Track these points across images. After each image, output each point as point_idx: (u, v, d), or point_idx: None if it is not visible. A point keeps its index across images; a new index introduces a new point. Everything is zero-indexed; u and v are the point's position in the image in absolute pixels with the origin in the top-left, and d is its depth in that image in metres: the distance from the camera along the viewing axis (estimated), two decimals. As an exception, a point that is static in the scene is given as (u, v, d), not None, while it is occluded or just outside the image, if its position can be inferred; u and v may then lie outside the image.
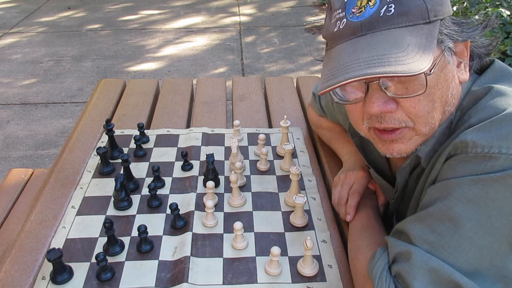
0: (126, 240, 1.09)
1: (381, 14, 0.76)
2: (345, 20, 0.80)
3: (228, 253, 1.05)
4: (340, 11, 0.82)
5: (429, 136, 0.86)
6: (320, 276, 0.99)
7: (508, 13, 3.96)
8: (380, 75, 0.73)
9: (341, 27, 0.81)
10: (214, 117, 1.64)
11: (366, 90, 0.80)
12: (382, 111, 0.81)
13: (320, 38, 4.89)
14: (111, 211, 1.19)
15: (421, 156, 0.87)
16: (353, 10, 0.79)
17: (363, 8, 0.78)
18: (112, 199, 1.21)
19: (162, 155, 1.42)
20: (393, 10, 0.76)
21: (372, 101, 0.80)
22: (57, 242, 1.08)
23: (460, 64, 0.85)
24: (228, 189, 1.26)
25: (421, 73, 0.72)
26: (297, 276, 0.99)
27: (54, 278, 0.97)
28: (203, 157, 1.39)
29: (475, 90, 0.85)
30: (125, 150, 1.44)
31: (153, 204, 1.20)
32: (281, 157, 1.39)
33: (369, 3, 0.78)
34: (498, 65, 0.90)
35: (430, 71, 0.76)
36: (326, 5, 0.88)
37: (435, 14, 0.78)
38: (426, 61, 0.74)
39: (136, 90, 1.83)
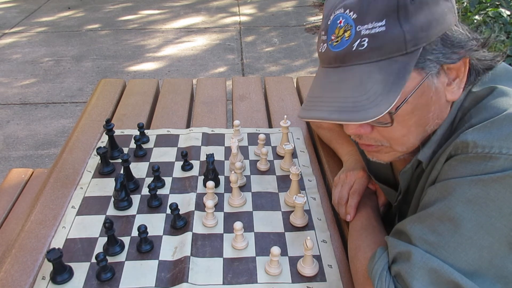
0: (126, 240, 1.09)
1: (354, 49, 0.76)
2: (325, 45, 0.81)
3: (228, 253, 1.05)
4: (323, 33, 0.82)
5: (408, 151, 0.89)
6: (320, 276, 0.99)
7: (508, 13, 3.96)
8: (336, 122, 0.77)
9: (322, 50, 0.82)
10: (214, 117, 1.64)
11: None
12: (357, 134, 0.85)
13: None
14: (111, 211, 1.19)
15: (422, 160, 0.88)
16: (332, 37, 0.79)
17: (339, 38, 0.78)
18: (112, 199, 1.21)
19: (162, 155, 1.42)
20: (366, 45, 0.75)
21: (348, 125, 0.84)
22: (57, 242, 1.08)
23: (452, 82, 0.82)
24: (228, 189, 1.26)
25: (376, 119, 0.73)
26: (297, 276, 0.99)
27: (54, 278, 0.97)
28: (203, 157, 1.39)
29: (477, 91, 0.84)
30: (125, 150, 1.44)
31: (153, 204, 1.20)
32: (281, 157, 1.39)
33: (345, 34, 0.77)
34: (500, 65, 0.89)
35: (396, 109, 0.77)
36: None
37: (415, 43, 0.74)
38: (387, 104, 0.73)
39: (136, 90, 1.83)
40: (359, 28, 0.75)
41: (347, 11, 0.77)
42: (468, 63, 0.81)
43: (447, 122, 0.85)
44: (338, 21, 0.78)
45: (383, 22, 0.73)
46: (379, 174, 1.12)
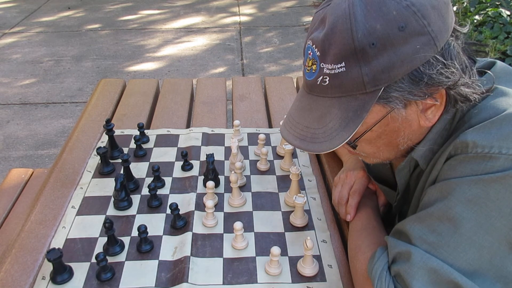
0: (126, 240, 1.09)
1: (318, 83, 0.79)
2: (304, 69, 0.85)
3: (228, 253, 1.05)
4: (305, 58, 0.84)
5: (390, 159, 0.93)
6: (320, 276, 0.99)
7: (508, 13, 3.96)
8: (298, 148, 0.83)
9: (303, 73, 0.86)
10: (214, 117, 1.64)
11: None
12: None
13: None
14: (111, 211, 1.19)
15: (416, 158, 0.88)
16: (305, 64, 0.83)
17: (309, 68, 0.81)
18: (112, 199, 1.21)
19: (162, 155, 1.42)
20: (327, 82, 0.78)
21: None
22: (57, 242, 1.08)
23: (428, 109, 0.80)
24: (228, 189, 1.26)
25: (328, 152, 0.79)
26: (297, 276, 0.99)
27: (54, 278, 0.98)
28: (203, 157, 1.39)
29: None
30: (125, 150, 1.44)
31: (153, 204, 1.20)
32: (281, 157, 1.39)
33: (312, 67, 0.80)
34: (500, 66, 0.89)
35: (354, 140, 0.83)
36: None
37: (376, 84, 0.74)
38: (341, 140, 0.77)
39: (136, 90, 1.83)
40: (322, 65, 0.77)
41: (314, 45, 0.79)
42: (445, 95, 0.78)
43: (441, 122, 0.84)
44: (308, 52, 0.81)
45: (342, 64, 0.75)
46: (379, 174, 1.12)
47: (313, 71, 0.80)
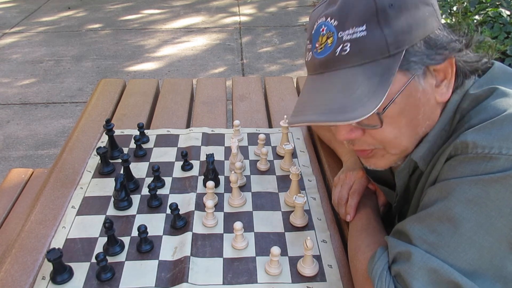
0: (126, 240, 1.09)
1: (337, 54, 0.78)
2: (311, 53, 0.84)
3: (228, 253, 1.05)
4: (308, 42, 0.85)
5: (405, 154, 0.89)
6: (320, 276, 0.99)
7: (508, 13, 3.96)
8: (323, 123, 0.77)
9: (308, 59, 0.85)
10: (214, 117, 1.64)
11: None
12: (348, 139, 0.85)
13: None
14: (111, 211, 1.19)
15: (415, 159, 0.88)
16: (316, 45, 0.82)
17: (322, 45, 0.80)
18: (112, 199, 1.21)
19: (162, 155, 1.42)
20: (348, 49, 0.77)
21: (338, 130, 0.85)
22: (57, 242, 1.08)
23: (441, 83, 0.83)
24: (228, 189, 1.26)
25: (364, 119, 0.74)
26: (297, 276, 0.99)
27: (54, 278, 0.97)
28: (203, 157, 1.39)
29: (475, 93, 0.84)
30: (125, 150, 1.44)
31: (153, 204, 1.20)
32: (281, 157, 1.39)
33: (328, 41, 0.79)
34: (498, 67, 0.89)
35: (384, 109, 0.78)
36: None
37: (398, 46, 0.75)
38: (373, 104, 0.74)
39: (136, 90, 1.83)
40: (340, 34, 0.77)
41: (329, 19, 0.79)
42: (454, 64, 0.82)
43: (441, 123, 0.85)
44: (321, 29, 0.81)
45: (364, 27, 0.75)
46: (378, 174, 1.12)
47: (329, 45, 0.79)
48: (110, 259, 1.02)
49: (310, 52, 0.84)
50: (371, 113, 0.73)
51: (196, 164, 1.36)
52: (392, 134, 0.83)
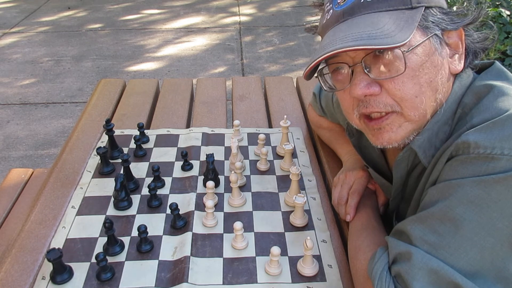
0: (126, 240, 1.09)
1: (362, 0, 0.81)
2: (331, 11, 0.86)
3: (228, 253, 1.05)
4: (328, 3, 0.88)
5: (420, 125, 0.86)
6: (320, 276, 0.99)
7: (508, 13, 3.96)
8: (349, 49, 0.76)
9: (328, 18, 0.87)
10: (214, 117, 1.64)
11: (351, 75, 0.84)
12: (366, 93, 0.83)
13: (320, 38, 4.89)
14: (111, 211, 1.19)
15: (415, 148, 0.87)
16: (338, 1, 0.85)
17: None
18: (112, 199, 1.21)
19: (162, 155, 1.42)
20: None
21: (355, 83, 0.83)
22: (57, 242, 1.08)
23: (454, 55, 0.87)
24: (228, 189, 1.26)
25: (393, 46, 0.75)
26: (297, 276, 0.99)
27: (54, 278, 0.97)
28: (203, 157, 1.39)
29: (476, 86, 0.85)
30: (125, 150, 1.44)
31: (153, 204, 1.20)
32: (281, 157, 1.39)
33: None
34: (497, 66, 0.90)
35: (408, 49, 0.79)
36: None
37: (419, 1, 0.81)
38: (401, 38, 0.76)
39: (136, 90, 1.83)
40: None
41: None
42: (463, 39, 0.87)
43: (442, 114, 0.85)
44: None
45: None
46: (375, 168, 1.10)
47: None
48: (110, 259, 1.02)
49: (330, 10, 0.86)
50: (404, 42, 0.75)
51: (196, 164, 1.36)
52: (413, 90, 0.81)
